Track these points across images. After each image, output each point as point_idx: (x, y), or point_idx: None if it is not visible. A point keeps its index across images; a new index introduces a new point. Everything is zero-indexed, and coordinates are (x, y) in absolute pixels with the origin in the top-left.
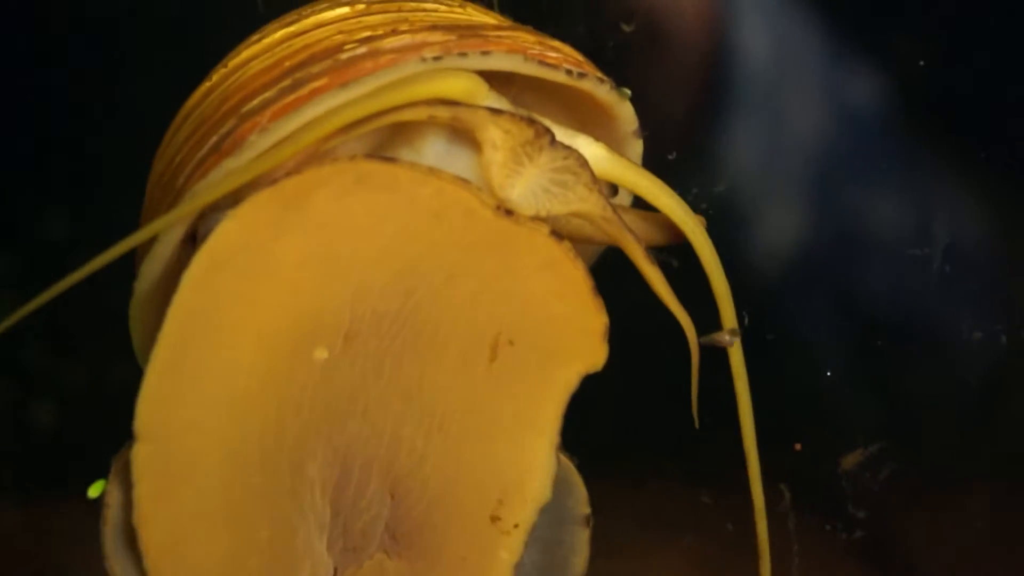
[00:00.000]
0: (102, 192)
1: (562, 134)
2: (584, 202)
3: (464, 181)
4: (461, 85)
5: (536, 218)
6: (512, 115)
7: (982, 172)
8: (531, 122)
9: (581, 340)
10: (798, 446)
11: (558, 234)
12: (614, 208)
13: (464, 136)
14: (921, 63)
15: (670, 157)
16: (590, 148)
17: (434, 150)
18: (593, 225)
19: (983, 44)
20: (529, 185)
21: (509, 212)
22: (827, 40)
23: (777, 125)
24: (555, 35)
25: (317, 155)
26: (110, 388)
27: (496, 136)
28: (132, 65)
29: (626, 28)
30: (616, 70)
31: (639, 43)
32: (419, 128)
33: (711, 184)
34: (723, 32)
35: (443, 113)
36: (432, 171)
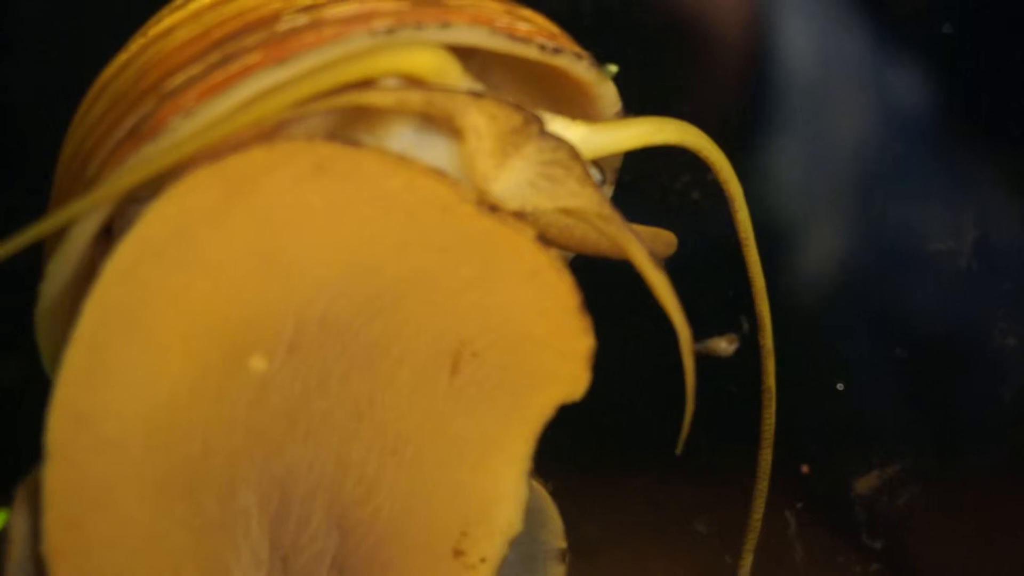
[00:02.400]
0: (2, 179)
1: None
2: (576, 198)
3: (440, 173)
4: (428, 62)
5: (521, 214)
6: (496, 99)
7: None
8: (518, 108)
9: (561, 364)
10: (805, 468)
11: (545, 240)
12: (612, 204)
13: (437, 123)
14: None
15: None
16: (569, 131)
17: (400, 139)
18: (586, 224)
19: None
20: (514, 178)
21: (493, 208)
22: (869, 42)
23: (811, 130)
24: (524, 2)
25: (266, 131)
26: (13, 408)
27: (480, 123)
28: (35, 31)
29: None
30: (596, 43)
31: (620, 12)
32: (381, 113)
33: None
34: (764, 33)
35: (415, 98)
36: (403, 160)
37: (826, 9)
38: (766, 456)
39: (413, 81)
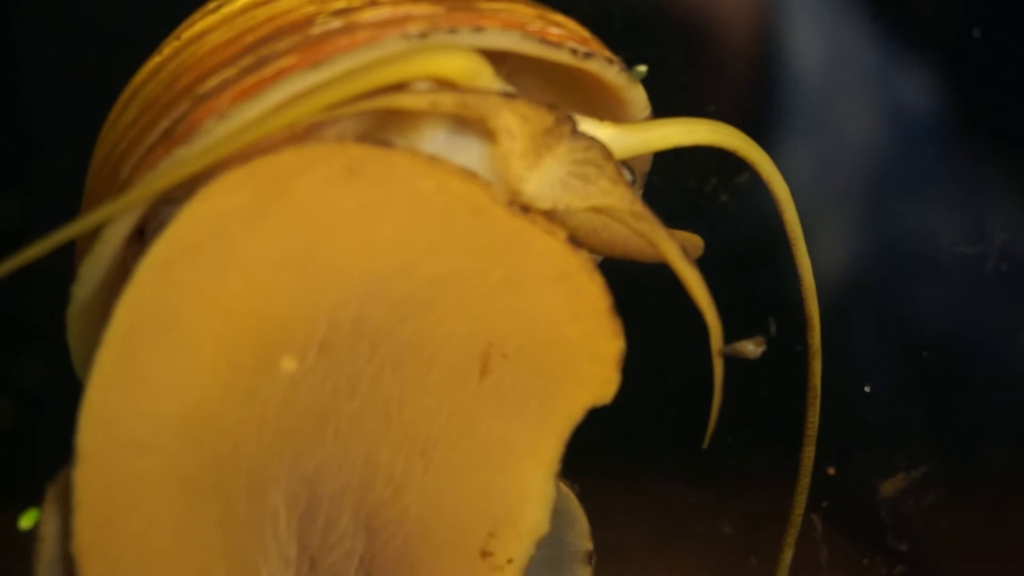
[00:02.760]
0: (34, 183)
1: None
2: (608, 196)
3: (471, 174)
4: (461, 65)
5: (553, 213)
6: (528, 100)
7: None
8: (550, 108)
9: (591, 366)
10: (832, 470)
11: (576, 241)
12: (644, 201)
13: (469, 125)
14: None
15: None
16: (600, 132)
17: (433, 142)
18: (617, 224)
19: None
20: (546, 177)
21: (525, 209)
22: (879, 44)
23: (825, 132)
24: (555, 6)
25: (298, 134)
26: (42, 408)
27: (513, 124)
28: (35, 30)
29: None
30: (626, 47)
31: (650, 15)
32: (413, 116)
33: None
34: (773, 35)
35: (448, 100)
36: (434, 161)
37: (844, 13)
38: (809, 453)
39: (446, 84)
